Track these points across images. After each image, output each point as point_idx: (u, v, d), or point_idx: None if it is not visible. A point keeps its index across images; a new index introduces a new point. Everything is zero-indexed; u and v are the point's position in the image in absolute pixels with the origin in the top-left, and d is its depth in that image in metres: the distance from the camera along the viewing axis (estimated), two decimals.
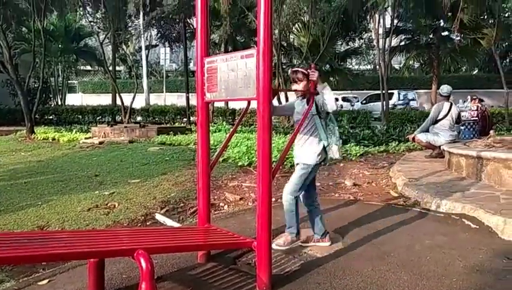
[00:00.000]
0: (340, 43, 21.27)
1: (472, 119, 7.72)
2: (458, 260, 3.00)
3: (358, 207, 4.46)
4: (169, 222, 4.55)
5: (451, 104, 7.10)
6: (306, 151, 3.28)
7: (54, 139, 12.67)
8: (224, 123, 15.12)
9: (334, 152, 3.31)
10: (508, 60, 27.84)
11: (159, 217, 4.74)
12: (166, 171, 6.86)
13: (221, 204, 5.10)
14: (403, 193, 4.99)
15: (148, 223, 4.64)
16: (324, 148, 3.25)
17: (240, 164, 6.91)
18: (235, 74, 2.69)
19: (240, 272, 2.93)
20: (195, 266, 3.00)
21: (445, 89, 7.24)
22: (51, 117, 20.35)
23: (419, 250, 3.21)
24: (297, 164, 3.39)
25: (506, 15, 17.18)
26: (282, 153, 3.27)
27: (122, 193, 5.69)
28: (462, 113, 7.80)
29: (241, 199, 5.19)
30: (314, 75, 2.94)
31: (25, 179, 6.99)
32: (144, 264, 2.05)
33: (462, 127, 7.76)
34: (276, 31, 14.63)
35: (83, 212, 4.98)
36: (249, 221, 3.80)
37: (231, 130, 3.45)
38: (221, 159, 7.28)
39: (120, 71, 35.87)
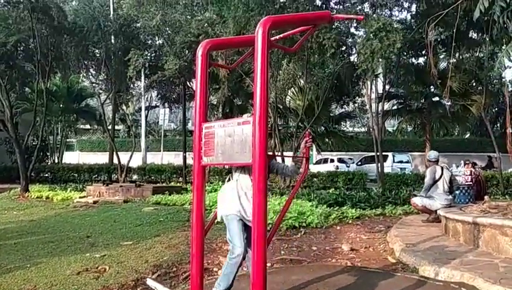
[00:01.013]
0: (335, 106, 21.95)
1: (466, 183, 7.78)
2: None
3: (355, 274, 4.35)
4: (161, 288, 4.39)
5: (442, 168, 7.19)
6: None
7: (47, 197, 12.55)
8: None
9: None
10: (498, 125, 28.56)
11: (150, 282, 4.58)
12: (160, 232, 6.75)
13: (215, 269, 4.96)
14: (401, 259, 4.90)
15: (138, 289, 4.48)
16: None
17: None
18: (231, 140, 2.76)
19: None
20: None
21: (432, 155, 7.42)
22: (46, 175, 20.31)
23: None
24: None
25: (494, 82, 17.89)
26: (278, 216, 3.26)
27: (113, 256, 5.55)
28: (457, 178, 7.88)
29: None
30: (309, 142, 3.04)
31: (15, 240, 6.84)
32: None
33: (457, 192, 7.79)
34: (273, 94, 15.12)
35: (72, 276, 4.82)
36: (243, 288, 3.69)
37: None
38: (216, 221, 7.19)
39: (119, 130, 36.35)
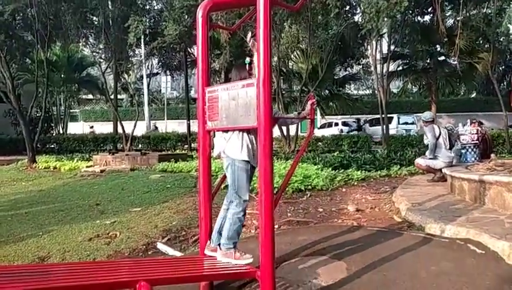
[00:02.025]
0: (339, 69, 21.60)
1: (473, 142, 7.74)
2: (465, 287, 2.94)
3: (362, 233, 4.41)
4: (171, 251, 4.51)
5: (438, 127, 7.20)
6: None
7: (55, 168, 12.68)
8: None
9: None
10: (505, 83, 28.12)
11: (161, 246, 4.69)
12: (168, 199, 6.84)
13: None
14: (407, 218, 4.95)
15: (149, 253, 4.59)
16: None
17: None
18: (235, 103, 2.72)
19: None
20: None
21: (428, 115, 7.43)
22: (52, 146, 20.44)
23: (425, 277, 3.16)
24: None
25: (501, 39, 17.45)
26: (284, 179, 3.27)
27: (123, 222, 5.66)
28: (462, 137, 7.84)
29: (243, 226, 5.14)
30: (314, 103, 3.00)
31: (26, 209, 6.97)
32: None
33: (463, 151, 7.77)
34: (275, 58, 14.86)
35: (84, 242, 4.94)
36: (251, 249, 3.75)
37: None
38: (223, 186, 7.26)
39: (122, 99, 36.22)
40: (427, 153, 7.13)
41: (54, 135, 22.84)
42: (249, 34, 3.00)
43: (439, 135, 7.00)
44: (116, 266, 2.44)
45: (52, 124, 24.11)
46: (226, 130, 3.02)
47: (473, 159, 7.59)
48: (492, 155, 6.44)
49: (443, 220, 4.33)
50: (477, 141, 7.79)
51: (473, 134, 7.79)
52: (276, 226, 5.04)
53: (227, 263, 2.82)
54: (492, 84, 17.77)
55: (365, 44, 17.67)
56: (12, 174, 12.14)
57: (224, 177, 3.38)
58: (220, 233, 3.16)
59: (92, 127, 28.84)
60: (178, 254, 4.41)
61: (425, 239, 4.08)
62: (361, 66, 21.01)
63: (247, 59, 3.11)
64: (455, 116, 24.27)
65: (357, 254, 3.78)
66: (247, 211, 5.33)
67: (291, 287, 3.10)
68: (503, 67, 26.01)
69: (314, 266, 3.51)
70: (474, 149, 7.74)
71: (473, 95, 33.13)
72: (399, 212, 5.34)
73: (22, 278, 2.03)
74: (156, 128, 27.04)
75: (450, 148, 7.08)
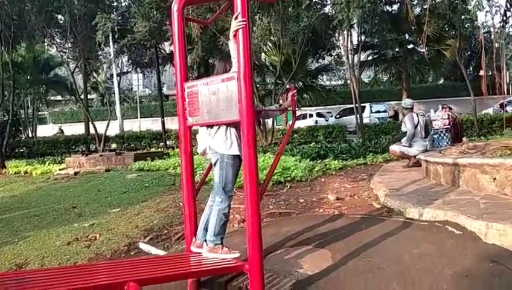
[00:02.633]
0: (311, 60, 21.75)
1: (445, 127, 7.97)
2: (447, 267, 3.04)
3: (343, 221, 4.48)
4: (154, 251, 4.45)
5: (417, 115, 7.38)
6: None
7: (26, 172, 12.30)
8: None
9: None
10: (471, 68, 29.00)
11: (143, 246, 4.63)
12: (147, 198, 6.74)
13: None
14: (386, 203, 5.05)
15: (132, 253, 4.52)
16: None
17: None
18: (216, 97, 2.70)
19: None
20: None
21: (408, 102, 7.61)
22: (22, 150, 19.78)
23: (408, 260, 3.24)
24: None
25: (466, 26, 17.98)
26: (268, 172, 3.28)
27: (102, 224, 5.54)
28: (435, 122, 8.06)
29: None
30: (295, 95, 3.02)
31: None
32: None
33: (436, 136, 7.99)
34: None
35: (62, 246, 4.81)
36: (237, 243, 3.75)
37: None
38: (207, 180, 7.20)
39: (92, 99, 35.33)
40: (404, 140, 7.31)
41: (23, 138, 22.08)
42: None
43: (417, 123, 7.17)
44: (101, 268, 2.39)
45: (21, 128, 23.29)
46: (210, 126, 2.98)
47: (445, 143, 7.82)
48: (464, 139, 6.66)
49: (421, 204, 4.45)
50: (448, 126, 8.03)
51: (444, 119, 8.02)
52: None
53: (215, 259, 2.80)
54: (459, 69, 18.29)
55: (336, 35, 17.84)
56: None
57: (208, 172, 3.35)
58: (205, 229, 3.14)
59: (60, 128, 27.94)
60: (161, 252, 4.36)
61: (405, 223, 4.18)
62: (333, 57, 21.20)
63: None
64: (425, 102, 24.87)
65: (341, 241, 3.84)
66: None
67: (278, 278, 3.11)
68: (469, 53, 26.79)
69: (300, 256, 3.55)
70: (446, 134, 7.98)
71: (441, 82, 34.05)
72: (378, 198, 5.45)
73: None
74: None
75: (426, 136, 7.27)
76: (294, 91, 3.01)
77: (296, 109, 3.50)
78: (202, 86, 2.80)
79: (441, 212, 4.09)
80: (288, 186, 6.65)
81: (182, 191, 3.06)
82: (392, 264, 3.19)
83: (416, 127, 7.18)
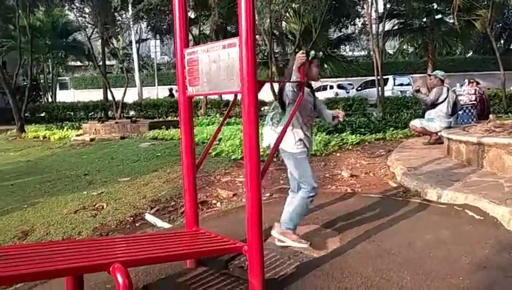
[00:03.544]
0: (333, 29, 20.95)
1: (470, 103, 7.53)
2: (464, 256, 2.81)
3: (356, 200, 4.27)
4: (159, 223, 4.36)
5: (448, 90, 6.91)
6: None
7: (44, 137, 12.43)
8: (217, 116, 14.87)
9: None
10: (502, 42, 27.60)
11: (149, 217, 4.54)
12: (158, 167, 6.66)
13: (213, 201, 4.90)
14: (402, 183, 4.80)
15: (137, 225, 4.44)
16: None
17: (233, 157, 6.70)
18: (217, 66, 2.46)
19: (232, 277, 2.74)
20: (184, 271, 2.80)
21: (440, 73, 7.09)
22: (42, 115, 20.04)
23: (421, 246, 3.03)
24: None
25: None
26: (272, 147, 3.06)
27: (111, 193, 5.49)
28: (460, 97, 7.61)
29: (234, 195, 5.00)
30: (302, 58, 2.73)
31: (12, 181, 6.78)
32: (120, 279, 1.85)
33: (460, 112, 7.56)
34: (268, 20, 14.31)
35: (69, 214, 4.77)
36: (241, 220, 3.58)
37: (217, 126, 3.22)
38: (213, 153, 7.08)
39: (112, 66, 35.36)
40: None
41: (43, 103, 22.32)
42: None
43: (445, 98, 6.68)
44: (91, 246, 2.26)
45: (41, 93, 23.53)
46: (275, 122, 3.15)
47: (470, 120, 7.40)
48: (491, 116, 6.23)
49: (440, 185, 4.19)
50: (475, 102, 7.59)
51: (470, 94, 7.58)
52: (267, 194, 4.89)
53: (212, 239, 2.64)
54: (489, 42, 17.35)
55: (361, 2, 17.06)
56: (1, 144, 11.89)
57: (211, 143, 3.16)
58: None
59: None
60: (166, 225, 4.26)
61: (421, 205, 3.94)
62: (356, 26, 20.37)
63: (312, 52, 2.98)
64: (451, 76, 23.91)
65: (351, 222, 3.65)
66: (238, 179, 5.17)
67: (282, 259, 2.97)
68: (501, 24, 25.43)
69: (306, 236, 3.37)
70: (472, 110, 7.55)
71: (469, 55, 32.60)
72: (394, 177, 5.20)
73: None
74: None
75: (453, 114, 6.82)
76: (301, 56, 2.70)
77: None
78: (202, 53, 2.57)
79: (461, 195, 3.83)
80: None
81: (182, 165, 2.89)
82: (404, 250, 2.98)
83: (442, 102, 6.73)
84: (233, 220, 3.92)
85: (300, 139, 3.10)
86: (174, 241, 2.45)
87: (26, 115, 15.49)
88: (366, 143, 7.78)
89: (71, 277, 2.25)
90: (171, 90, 23.06)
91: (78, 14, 18.28)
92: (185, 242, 2.48)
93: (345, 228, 3.50)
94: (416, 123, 7.04)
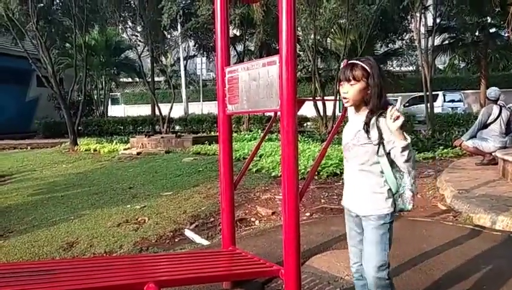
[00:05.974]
0: (380, 45, 20.55)
1: None
2: None
3: (402, 223, 4.05)
4: (198, 239, 4.36)
5: (501, 108, 6.53)
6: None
7: (95, 150, 12.96)
8: (259, 131, 14.90)
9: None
10: None
11: (188, 233, 4.55)
12: (199, 182, 6.72)
13: (252, 219, 4.84)
14: (452, 206, 4.52)
15: (176, 240, 4.46)
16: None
17: (273, 174, 6.63)
18: (256, 84, 2.43)
19: None
20: None
21: (492, 92, 6.72)
22: (94, 128, 21.02)
23: (476, 278, 2.79)
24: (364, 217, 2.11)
25: None
26: (313, 165, 2.97)
27: (153, 207, 5.59)
28: None
29: (273, 213, 4.91)
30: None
31: (62, 193, 7.08)
32: None
33: None
34: (312, 36, 14.27)
35: (112, 227, 4.89)
36: (279, 240, 3.50)
37: (257, 143, 3.18)
38: (254, 169, 7.05)
39: (160, 82, 36.64)
40: (465, 135, 6.70)
41: (95, 117, 23.46)
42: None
43: (497, 117, 6.36)
44: (124, 263, 2.26)
45: (94, 107, 24.74)
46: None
47: None
48: None
49: (494, 210, 3.89)
50: None
51: None
52: (307, 214, 4.77)
53: (249, 260, 2.57)
54: None
55: (408, 17, 16.64)
56: (55, 156, 12.52)
57: (248, 164, 3.12)
58: None
59: None
60: (205, 242, 4.25)
61: (473, 232, 3.67)
62: (403, 41, 19.84)
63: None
64: (507, 92, 22.68)
65: (396, 247, 3.43)
66: (278, 197, 5.05)
67: (321, 285, 2.84)
68: None
69: (348, 261, 3.21)
70: None
71: None
72: (444, 199, 4.91)
73: (14, 278, 1.88)
74: None
75: (508, 133, 6.44)
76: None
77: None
78: (242, 71, 2.55)
79: None
80: None
81: (220, 183, 2.86)
82: (456, 282, 2.76)
83: (494, 121, 6.36)
84: (271, 239, 3.82)
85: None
86: (210, 261, 2.40)
87: (79, 128, 16.28)
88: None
89: None
90: None
91: (130, 33, 19.19)
92: (221, 263, 2.44)
93: (390, 255, 3.30)
94: (468, 143, 6.68)
